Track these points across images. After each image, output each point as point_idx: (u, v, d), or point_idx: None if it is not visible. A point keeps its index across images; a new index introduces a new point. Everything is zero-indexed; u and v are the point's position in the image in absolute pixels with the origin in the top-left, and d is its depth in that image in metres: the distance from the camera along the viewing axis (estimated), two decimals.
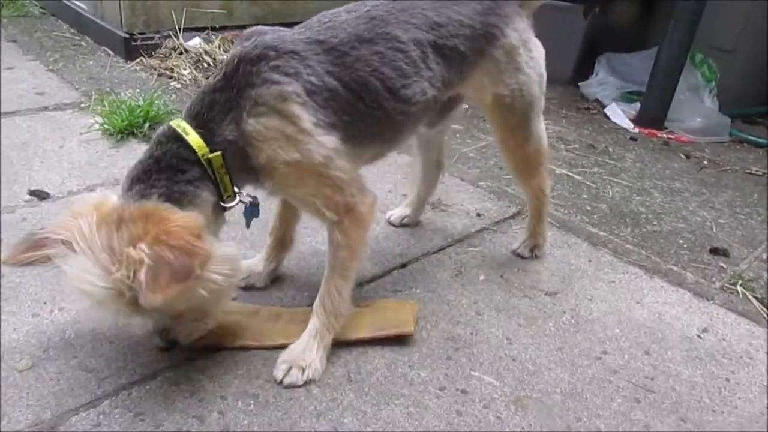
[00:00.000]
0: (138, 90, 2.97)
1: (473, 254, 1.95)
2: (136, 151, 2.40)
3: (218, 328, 1.39)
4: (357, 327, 1.49)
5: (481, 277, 1.83)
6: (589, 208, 2.36)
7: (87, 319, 1.47)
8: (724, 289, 1.89)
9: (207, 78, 3.24)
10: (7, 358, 1.36)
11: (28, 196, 2.01)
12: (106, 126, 2.51)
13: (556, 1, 3.69)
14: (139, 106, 2.60)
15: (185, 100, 2.97)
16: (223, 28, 3.65)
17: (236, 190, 1.32)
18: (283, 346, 1.43)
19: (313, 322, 1.42)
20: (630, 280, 1.89)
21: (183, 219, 1.17)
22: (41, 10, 4.29)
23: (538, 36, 1.67)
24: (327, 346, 1.42)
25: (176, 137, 1.25)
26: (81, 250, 1.12)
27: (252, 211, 1.45)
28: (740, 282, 1.91)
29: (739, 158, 3.09)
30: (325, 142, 1.30)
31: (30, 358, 1.37)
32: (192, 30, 3.57)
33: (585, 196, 2.47)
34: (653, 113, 3.32)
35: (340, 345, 1.46)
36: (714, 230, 2.28)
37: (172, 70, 3.30)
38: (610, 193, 2.52)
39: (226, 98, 1.26)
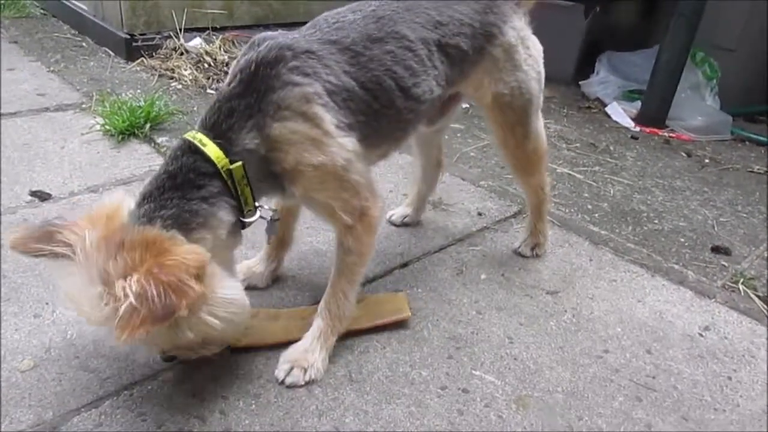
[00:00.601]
0: (139, 91, 2.97)
1: (474, 253, 1.95)
2: (137, 152, 2.41)
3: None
4: (355, 319, 1.50)
5: (483, 276, 1.83)
6: (590, 206, 2.36)
7: None
8: (726, 287, 1.89)
9: (208, 78, 3.25)
10: (9, 359, 1.36)
11: (29, 197, 2.01)
12: (107, 127, 2.51)
13: (558, 0, 3.69)
14: (140, 106, 2.61)
15: (186, 100, 2.98)
16: (223, 29, 3.65)
17: (257, 204, 1.29)
18: (284, 344, 1.43)
19: (318, 324, 1.42)
20: (631, 279, 1.88)
21: (184, 253, 1.09)
22: (42, 11, 4.29)
23: (539, 35, 1.68)
24: (330, 348, 1.43)
25: (193, 150, 1.20)
26: (79, 266, 1.08)
27: (273, 226, 1.41)
28: (742, 280, 1.90)
29: (740, 157, 3.09)
30: (346, 144, 1.28)
31: (32, 359, 1.37)
32: (193, 30, 3.57)
33: (586, 194, 2.46)
34: (654, 112, 3.32)
35: (340, 337, 1.46)
36: (715, 228, 2.28)
37: (173, 70, 3.30)
38: (612, 191, 2.52)
39: (246, 105, 1.21)
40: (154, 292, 1.01)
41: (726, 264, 2.03)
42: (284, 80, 1.22)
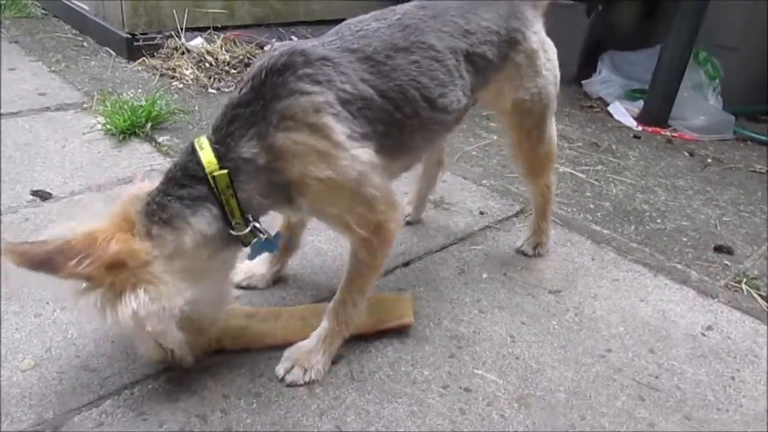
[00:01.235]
0: (140, 90, 2.97)
1: (476, 252, 1.95)
2: (138, 151, 2.41)
3: (217, 331, 1.39)
4: (359, 322, 1.49)
5: (484, 276, 1.82)
6: (592, 206, 2.35)
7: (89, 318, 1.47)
8: (729, 286, 1.88)
9: (209, 78, 3.25)
10: (10, 358, 1.36)
11: (30, 197, 2.01)
12: (109, 126, 2.51)
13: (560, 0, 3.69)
14: (141, 106, 2.60)
15: (187, 100, 2.98)
16: (224, 28, 3.65)
17: (250, 217, 1.23)
18: (284, 344, 1.42)
19: (324, 327, 1.40)
20: (634, 278, 1.88)
21: (113, 243, 1.11)
22: (43, 11, 4.29)
23: None
24: (333, 352, 1.41)
25: (191, 151, 1.21)
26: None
27: (265, 246, 1.34)
28: (744, 280, 1.90)
29: (743, 156, 3.08)
30: (360, 156, 1.23)
31: (32, 358, 1.37)
32: (194, 30, 3.57)
33: (588, 194, 2.46)
34: (657, 111, 3.31)
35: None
36: (718, 228, 2.27)
37: (174, 70, 3.30)
38: (614, 191, 2.51)
39: (251, 112, 1.18)
40: (73, 248, 1.07)
41: (729, 263, 2.02)
42: (291, 88, 1.18)
